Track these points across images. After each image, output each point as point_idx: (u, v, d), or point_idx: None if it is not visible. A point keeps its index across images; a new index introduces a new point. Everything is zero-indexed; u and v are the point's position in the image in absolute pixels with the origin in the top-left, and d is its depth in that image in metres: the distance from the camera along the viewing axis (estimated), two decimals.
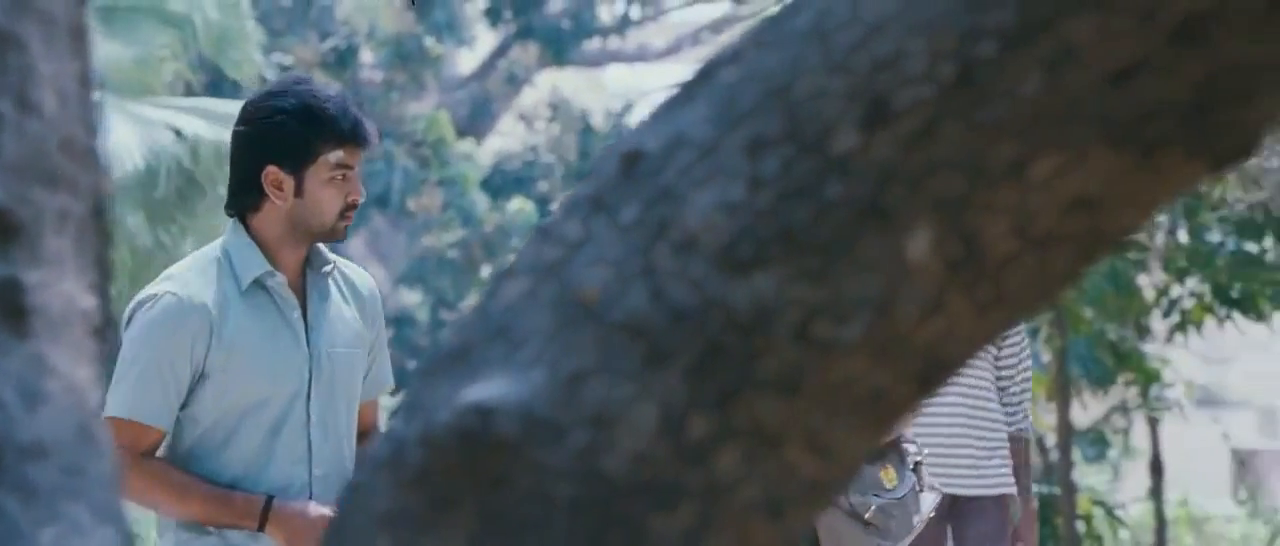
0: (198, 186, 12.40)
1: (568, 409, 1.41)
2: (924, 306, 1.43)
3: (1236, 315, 10.12)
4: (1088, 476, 14.84)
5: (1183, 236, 10.18)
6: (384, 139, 17.50)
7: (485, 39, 21.87)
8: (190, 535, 3.64)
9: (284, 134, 3.59)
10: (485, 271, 19.89)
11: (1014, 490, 5.94)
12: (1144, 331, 12.07)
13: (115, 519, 1.31)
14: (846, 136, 1.42)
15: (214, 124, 12.42)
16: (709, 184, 1.43)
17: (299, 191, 3.60)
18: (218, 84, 15.93)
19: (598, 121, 21.56)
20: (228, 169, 3.76)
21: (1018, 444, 6.00)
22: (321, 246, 3.70)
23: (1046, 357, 11.91)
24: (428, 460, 1.40)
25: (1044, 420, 12.78)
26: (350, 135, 3.61)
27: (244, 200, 3.65)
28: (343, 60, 18.45)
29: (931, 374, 1.46)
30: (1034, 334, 11.73)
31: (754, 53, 1.45)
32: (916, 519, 3.97)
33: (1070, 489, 12.47)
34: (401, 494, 1.39)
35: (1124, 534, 13.61)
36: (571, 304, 1.43)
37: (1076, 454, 13.87)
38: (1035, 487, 13.03)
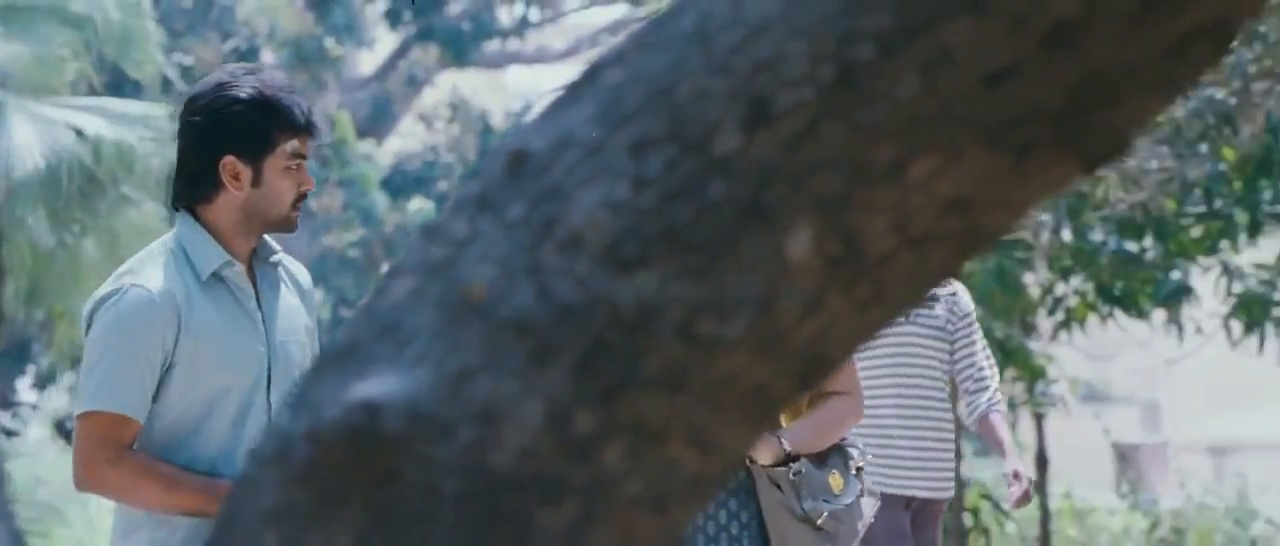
0: (99, 185, 12.29)
1: (454, 405, 1.40)
2: (804, 304, 1.43)
3: (1118, 313, 10.21)
4: (977, 471, 14.94)
5: (1067, 236, 10.26)
6: None
7: (386, 40, 21.78)
8: (166, 533, 3.60)
9: (243, 124, 3.56)
10: (386, 271, 19.75)
11: (951, 494, 5.98)
12: (1029, 329, 12.17)
13: (4, 516, 1.29)
14: (728, 137, 1.43)
15: (115, 124, 12.30)
16: (594, 183, 1.43)
17: (257, 181, 3.58)
18: (119, 84, 15.78)
19: (498, 122, 21.52)
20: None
21: (994, 416, 5.98)
22: (268, 237, 3.67)
23: None
24: (315, 456, 1.39)
25: None
26: (305, 125, 3.61)
27: (196, 191, 3.61)
28: (244, 61, 18.33)
29: (811, 370, 1.47)
30: None
31: (638, 55, 1.45)
32: (860, 524, 3.99)
33: (959, 483, 12.55)
34: (289, 489, 1.38)
35: (1011, 527, 13.71)
36: (458, 302, 1.42)
37: (966, 449, 13.96)
38: None
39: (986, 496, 12.58)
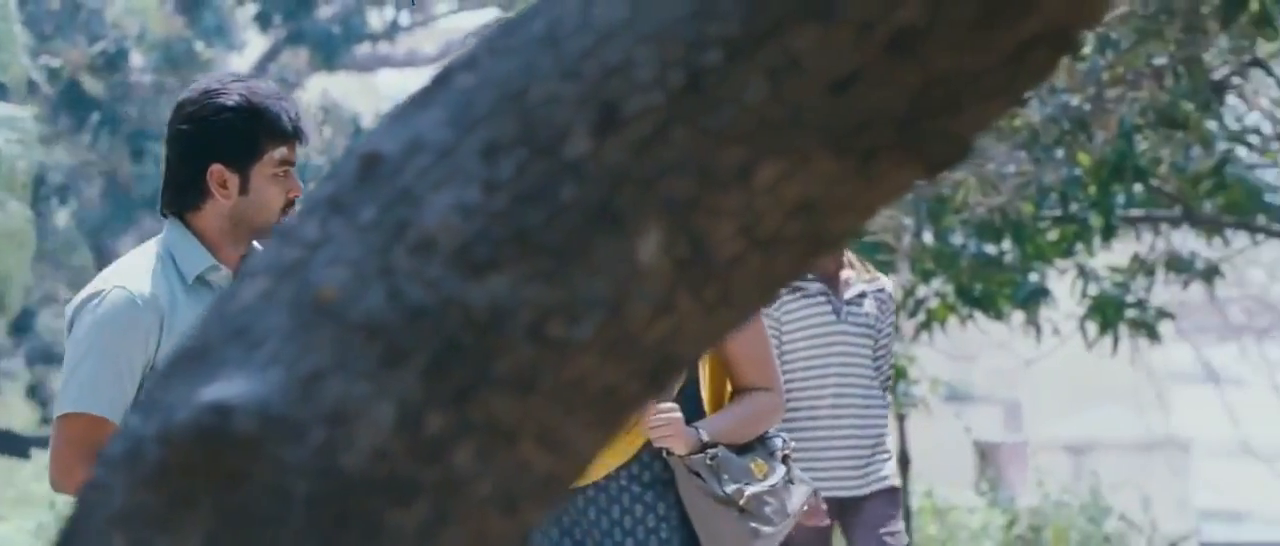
0: None
1: (306, 407, 1.40)
2: (654, 306, 1.44)
3: (978, 315, 10.31)
4: None
5: (928, 239, 10.35)
6: (155, 142, 17.22)
7: (256, 43, 21.61)
8: None
9: (230, 132, 3.53)
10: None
11: (898, 482, 5.93)
12: None
13: None
14: (579, 141, 1.43)
15: None
16: (446, 186, 1.43)
17: (244, 189, 3.55)
18: None
19: (369, 125, 21.41)
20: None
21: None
22: (258, 243, 3.64)
23: None
24: (166, 458, 1.38)
25: None
26: (293, 132, 3.59)
27: (185, 199, 3.58)
28: (112, 63, 18.12)
29: (661, 371, 1.47)
30: None
31: (489, 59, 1.45)
32: (790, 505, 3.96)
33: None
34: (138, 492, 1.37)
35: None
36: (310, 304, 1.42)
37: None
38: None
39: None
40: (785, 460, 3.99)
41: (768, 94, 1.42)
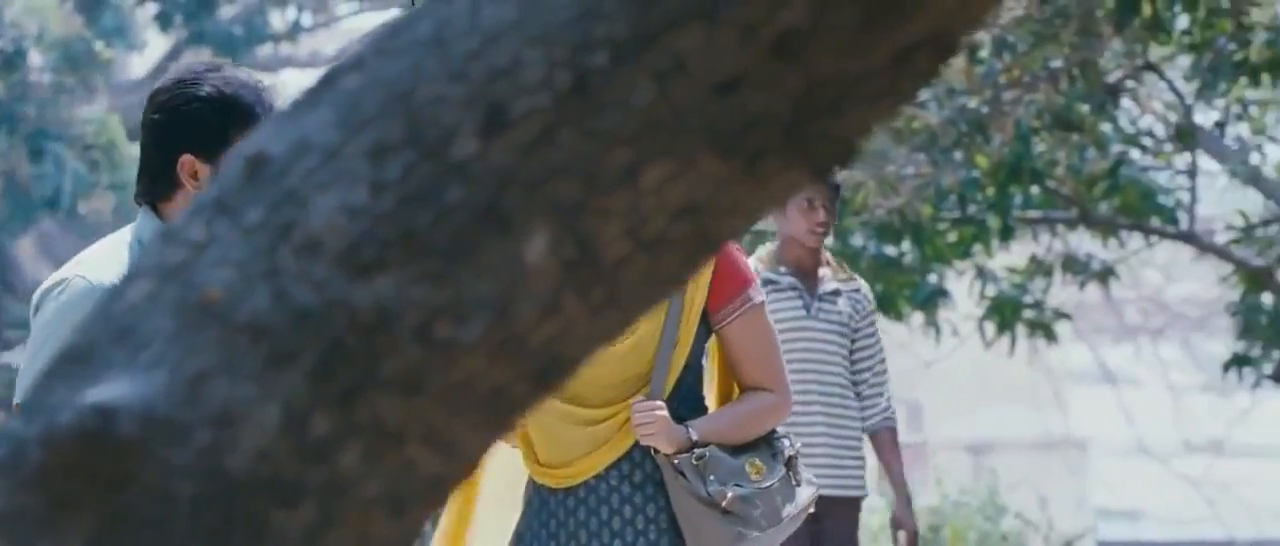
0: None
1: (191, 409, 1.39)
2: (541, 307, 1.44)
3: (879, 315, 10.36)
4: None
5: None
6: (54, 142, 17.06)
7: (157, 43, 21.44)
8: None
9: (200, 122, 3.48)
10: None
11: (866, 493, 5.83)
12: None
13: None
14: (466, 142, 1.42)
15: None
16: (332, 188, 1.42)
17: None
18: None
19: None
20: None
21: (886, 434, 5.87)
22: None
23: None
24: (48, 460, 1.37)
25: None
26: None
27: (156, 188, 3.54)
28: (11, 63, 17.93)
29: (549, 372, 1.47)
30: None
31: (376, 60, 1.45)
32: (788, 509, 3.85)
33: None
34: (20, 495, 1.35)
35: None
36: (195, 305, 1.41)
37: None
38: None
39: None
40: (789, 462, 3.88)
41: (654, 96, 1.42)
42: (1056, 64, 8.77)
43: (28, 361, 3.48)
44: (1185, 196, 10.53)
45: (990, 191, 9.51)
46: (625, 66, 1.42)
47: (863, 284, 6.01)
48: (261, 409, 1.39)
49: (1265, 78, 9.02)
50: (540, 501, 3.85)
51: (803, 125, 1.44)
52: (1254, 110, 11.21)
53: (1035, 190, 9.74)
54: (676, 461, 3.78)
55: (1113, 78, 9.61)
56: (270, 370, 1.40)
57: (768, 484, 3.81)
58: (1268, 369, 10.77)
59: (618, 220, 1.44)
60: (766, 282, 5.73)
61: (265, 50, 21.79)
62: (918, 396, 22.02)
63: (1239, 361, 10.97)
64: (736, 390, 3.93)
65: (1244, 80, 9.31)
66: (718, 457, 3.78)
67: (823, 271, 5.82)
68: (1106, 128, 9.89)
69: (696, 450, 3.77)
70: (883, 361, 5.90)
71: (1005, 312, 10.25)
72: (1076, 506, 18.46)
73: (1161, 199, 10.31)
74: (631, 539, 3.82)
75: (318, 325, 1.41)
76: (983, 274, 10.35)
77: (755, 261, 5.84)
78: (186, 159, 3.49)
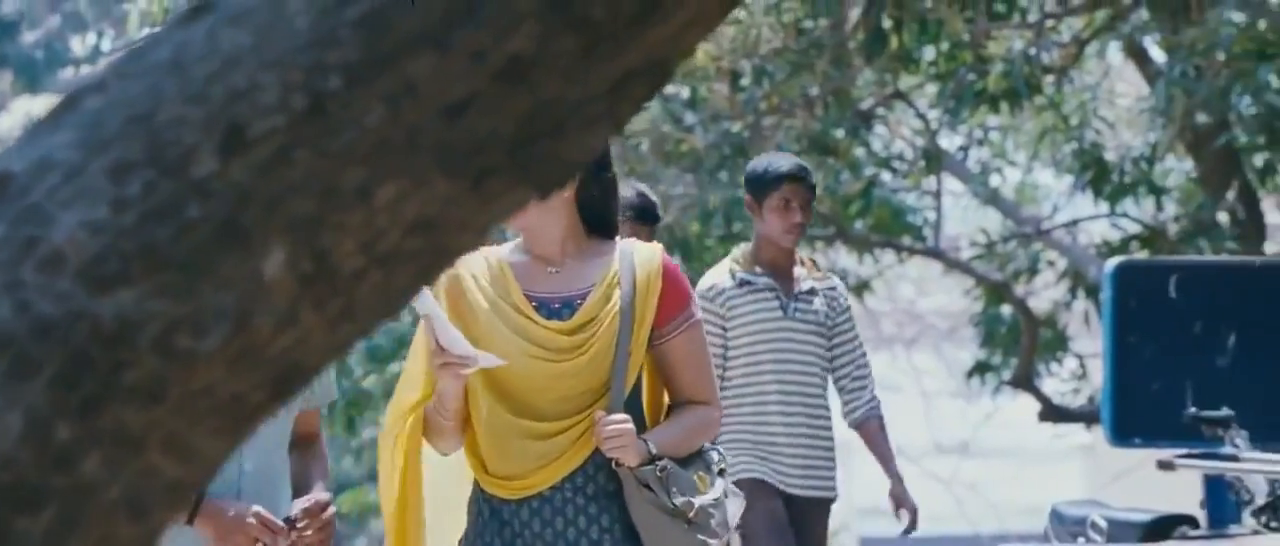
0: None
1: None
2: (278, 319, 1.42)
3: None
4: None
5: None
6: None
7: None
8: None
9: None
10: None
11: (837, 494, 5.61)
12: None
13: None
14: (205, 161, 1.41)
15: None
16: (75, 204, 1.40)
17: None
18: None
19: None
20: None
21: (875, 423, 5.65)
22: None
23: None
24: None
25: None
26: None
27: None
28: None
29: (286, 380, 1.46)
30: None
31: (117, 82, 1.43)
32: (729, 520, 3.78)
33: None
34: None
35: None
36: None
37: None
38: None
39: None
40: (722, 473, 3.82)
41: (386, 118, 1.42)
42: (813, 92, 8.89)
43: None
44: (932, 215, 10.73)
45: None
46: (359, 89, 1.41)
47: (838, 281, 5.82)
48: (4, 417, 1.36)
49: (1004, 106, 9.21)
50: (490, 511, 3.72)
51: (527, 146, 1.44)
52: (994, 136, 11.46)
53: None
54: (638, 474, 3.67)
55: (865, 105, 9.76)
56: (12, 380, 1.37)
57: (717, 495, 3.76)
58: (1007, 375, 11.00)
59: (353, 236, 1.43)
60: (743, 284, 5.57)
61: (67, 73, 21.37)
62: None
63: (981, 368, 11.18)
64: (664, 403, 3.84)
65: (984, 108, 9.51)
66: (675, 471, 3.70)
67: (798, 271, 5.62)
68: (860, 151, 10.05)
69: (657, 462, 3.68)
70: (863, 354, 5.70)
71: None
72: (839, 503, 18.66)
73: (910, 218, 10.49)
74: None
75: (60, 336, 1.38)
76: None
77: (732, 262, 5.69)
78: None
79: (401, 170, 1.43)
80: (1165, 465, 3.24)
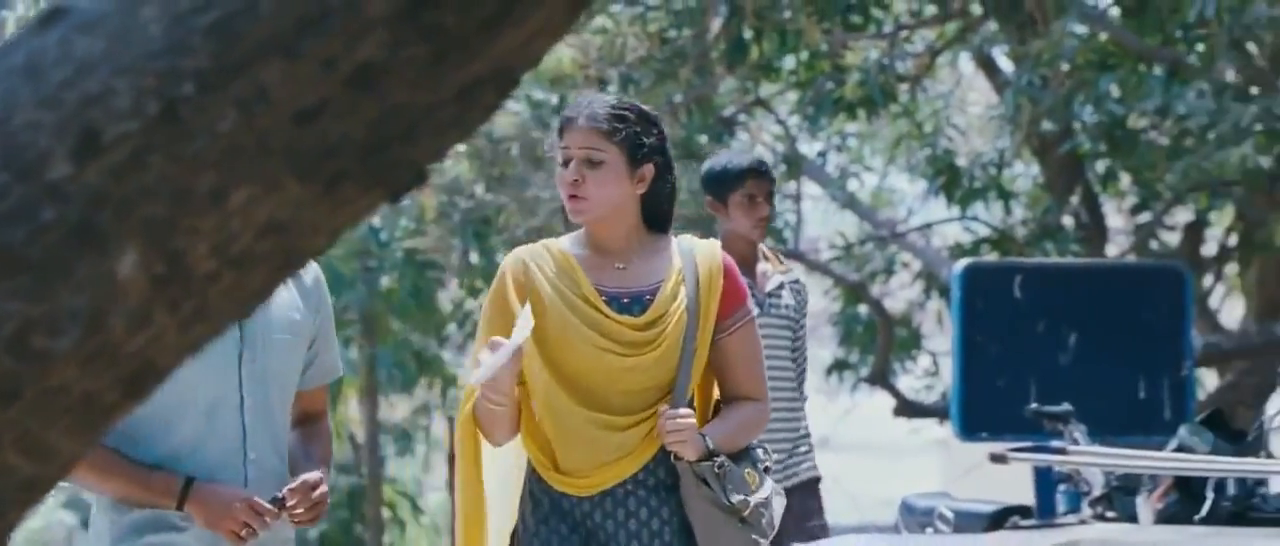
0: None
1: None
2: (131, 320, 1.41)
3: None
4: (398, 469, 14.96)
5: (475, 258, 10.40)
6: None
7: None
8: (115, 517, 3.42)
9: None
10: None
11: (819, 473, 5.51)
12: (443, 340, 12.27)
13: None
14: (59, 165, 1.39)
15: None
16: None
17: None
18: None
19: None
20: None
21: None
22: None
23: (357, 362, 11.96)
24: None
25: (354, 418, 12.81)
26: None
27: None
28: None
29: (140, 380, 1.44)
30: (347, 342, 11.76)
31: None
32: (775, 519, 3.69)
33: (378, 480, 12.54)
34: None
35: (425, 519, 13.78)
36: None
37: (388, 448, 13.98)
38: (346, 478, 13.04)
39: (403, 493, 12.62)
40: (767, 471, 3.74)
41: (238, 124, 1.40)
42: (677, 99, 8.91)
43: None
44: (793, 218, 10.79)
45: None
46: (211, 95, 1.40)
47: (798, 271, 5.63)
48: None
49: (860, 113, 9.28)
50: (551, 503, 3.64)
51: (378, 151, 1.44)
52: (851, 142, 11.55)
53: None
54: (697, 469, 3.60)
55: (727, 112, 9.81)
56: None
57: (767, 493, 3.69)
58: (864, 372, 11.08)
59: (206, 238, 1.42)
60: None
61: None
62: None
63: (840, 366, 11.26)
64: (713, 397, 3.76)
65: (842, 116, 9.58)
66: (731, 469, 3.63)
67: (763, 266, 5.46)
68: None
69: (716, 458, 3.61)
70: (805, 352, 5.57)
71: None
72: None
73: (772, 221, 10.53)
74: (647, 540, 3.63)
75: None
76: None
77: None
78: None
79: (254, 175, 1.42)
80: (997, 458, 3.25)
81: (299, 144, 1.42)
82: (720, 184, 5.39)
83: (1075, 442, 5.07)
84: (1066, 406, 5.21)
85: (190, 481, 3.41)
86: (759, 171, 5.43)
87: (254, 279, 1.45)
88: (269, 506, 3.42)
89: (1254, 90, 8.39)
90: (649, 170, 3.59)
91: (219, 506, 3.40)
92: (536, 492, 3.68)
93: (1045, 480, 3.07)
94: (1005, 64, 10.18)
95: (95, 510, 3.51)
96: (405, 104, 1.42)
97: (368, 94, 1.41)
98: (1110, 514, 5.07)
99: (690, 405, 3.67)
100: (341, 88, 1.41)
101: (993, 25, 9.39)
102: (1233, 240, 10.92)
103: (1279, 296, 9.98)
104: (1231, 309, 12.11)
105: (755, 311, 5.28)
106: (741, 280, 3.76)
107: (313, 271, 3.61)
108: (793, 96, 10.28)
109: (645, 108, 3.67)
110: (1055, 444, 3.24)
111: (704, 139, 9.46)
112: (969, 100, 12.00)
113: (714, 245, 3.73)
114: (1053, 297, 6.56)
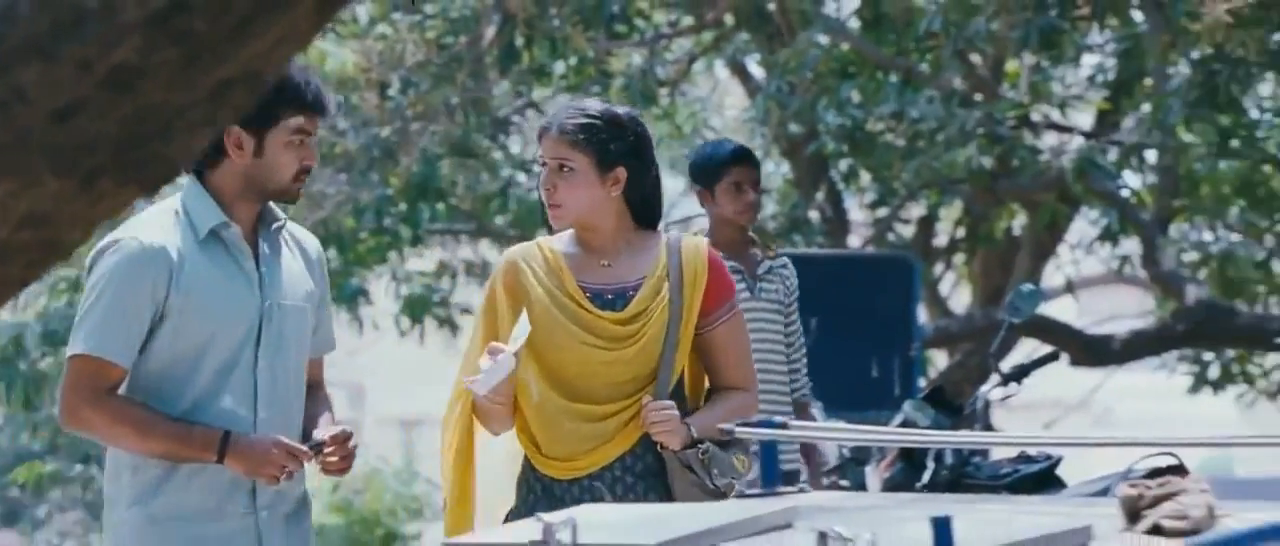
0: None
1: None
2: None
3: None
4: None
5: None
6: None
7: None
8: (144, 476, 3.28)
9: None
10: None
11: (801, 466, 5.23)
12: None
13: None
14: None
15: None
16: None
17: (258, 152, 3.30)
18: None
19: None
20: None
21: (806, 403, 5.25)
22: (273, 204, 3.36)
23: None
24: None
25: None
26: (312, 103, 3.32)
27: (203, 157, 3.28)
28: None
29: None
30: None
31: None
32: None
33: None
34: None
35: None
36: None
37: None
38: None
39: None
40: (753, 455, 3.66)
41: None
42: (454, 101, 8.88)
43: (80, 315, 3.30)
44: None
45: (402, 207, 9.56)
46: None
47: (789, 261, 5.32)
48: None
49: None
50: (542, 488, 3.57)
51: (134, 148, 1.42)
52: None
53: (440, 206, 9.85)
54: (682, 456, 3.55)
55: (502, 113, 9.80)
56: None
57: (753, 477, 3.63)
58: None
59: None
60: None
61: None
62: (361, 380, 21.99)
63: None
64: (705, 387, 3.69)
65: None
66: (717, 454, 3.57)
67: (754, 251, 5.22)
68: (498, 155, 10.09)
69: (699, 446, 3.55)
70: (803, 343, 5.29)
71: (417, 309, 10.33)
72: None
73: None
74: None
75: None
76: (397, 276, 10.41)
77: None
78: (233, 130, 3.30)
79: (13, 170, 1.39)
80: (725, 433, 3.33)
81: (57, 141, 1.40)
82: (706, 173, 5.23)
83: (813, 419, 5.09)
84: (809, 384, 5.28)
85: (227, 435, 3.30)
86: (743, 158, 5.24)
87: (13, 270, 1.43)
88: (303, 448, 3.33)
89: (977, 97, 8.62)
90: (621, 173, 3.54)
91: (259, 455, 3.29)
92: (530, 478, 3.64)
93: (768, 453, 3.13)
94: (756, 71, 10.32)
95: (114, 469, 3.38)
96: (159, 103, 1.41)
97: (123, 94, 1.40)
98: (843, 482, 5.17)
99: (678, 395, 3.63)
100: (97, 88, 1.39)
101: (744, 35, 9.52)
102: (960, 233, 11.20)
103: (1001, 284, 10.27)
104: (960, 296, 12.42)
105: (747, 295, 5.19)
106: (729, 275, 3.72)
107: (314, 246, 3.55)
108: (563, 99, 10.32)
109: (619, 111, 3.61)
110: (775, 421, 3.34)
111: (480, 138, 9.46)
112: (724, 104, 12.14)
113: (701, 241, 3.70)
114: (799, 284, 6.68)
